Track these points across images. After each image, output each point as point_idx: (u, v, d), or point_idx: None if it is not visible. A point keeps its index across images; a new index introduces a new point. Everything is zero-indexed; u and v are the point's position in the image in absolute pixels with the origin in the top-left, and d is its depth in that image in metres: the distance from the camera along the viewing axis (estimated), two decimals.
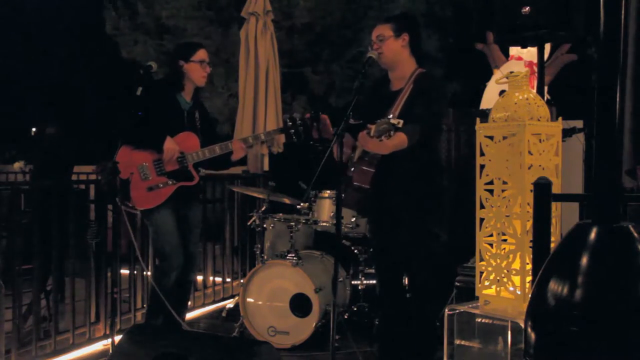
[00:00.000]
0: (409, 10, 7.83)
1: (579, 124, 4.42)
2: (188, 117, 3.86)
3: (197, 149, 3.76)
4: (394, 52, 3.29)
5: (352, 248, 4.58)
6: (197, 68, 3.80)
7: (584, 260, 1.61)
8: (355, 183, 3.21)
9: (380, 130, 2.73)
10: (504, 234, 2.82)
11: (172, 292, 3.72)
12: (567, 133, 4.07)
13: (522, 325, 2.39)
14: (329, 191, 4.23)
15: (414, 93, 3.22)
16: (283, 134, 4.06)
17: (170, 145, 3.66)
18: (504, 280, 2.78)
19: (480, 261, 2.87)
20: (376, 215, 3.46)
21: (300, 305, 4.08)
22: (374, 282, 4.51)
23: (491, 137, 2.85)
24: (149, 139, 3.68)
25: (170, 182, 3.71)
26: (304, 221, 4.38)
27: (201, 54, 3.82)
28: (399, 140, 2.99)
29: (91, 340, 4.13)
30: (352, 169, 3.25)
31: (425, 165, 3.27)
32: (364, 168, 3.21)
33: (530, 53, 4.42)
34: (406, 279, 3.48)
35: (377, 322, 4.25)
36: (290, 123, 3.72)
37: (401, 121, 2.74)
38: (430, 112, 3.17)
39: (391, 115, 2.81)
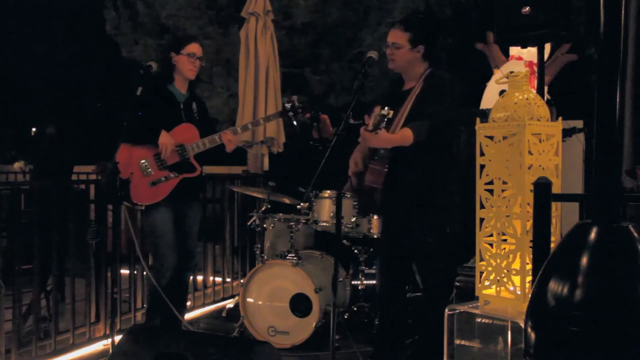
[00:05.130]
0: (409, 9, 7.81)
1: (579, 124, 4.42)
2: (185, 109, 3.86)
3: (197, 140, 3.76)
4: (406, 61, 3.29)
5: (352, 248, 4.58)
6: (186, 60, 3.79)
7: (584, 260, 1.61)
8: (367, 184, 3.21)
9: (375, 124, 2.79)
10: (504, 234, 2.81)
11: (169, 291, 3.72)
12: (567, 133, 4.07)
13: (522, 325, 2.39)
14: (329, 191, 4.23)
15: (423, 91, 3.23)
16: (282, 117, 4.04)
17: (165, 139, 3.66)
18: (504, 280, 2.78)
19: (480, 261, 2.87)
20: (389, 214, 3.45)
21: (300, 305, 4.08)
22: (374, 282, 4.51)
23: (491, 137, 2.85)
24: (146, 135, 3.68)
25: (173, 175, 3.71)
26: (304, 221, 4.37)
27: (191, 48, 3.80)
28: (403, 135, 2.99)
29: (91, 340, 4.13)
30: (365, 170, 3.25)
31: (438, 165, 3.26)
32: (375, 167, 3.21)
33: (530, 53, 4.42)
34: (419, 280, 3.47)
35: (377, 322, 4.25)
36: (289, 105, 3.72)
37: (391, 112, 2.80)
38: (438, 109, 3.16)
39: (388, 110, 2.83)
